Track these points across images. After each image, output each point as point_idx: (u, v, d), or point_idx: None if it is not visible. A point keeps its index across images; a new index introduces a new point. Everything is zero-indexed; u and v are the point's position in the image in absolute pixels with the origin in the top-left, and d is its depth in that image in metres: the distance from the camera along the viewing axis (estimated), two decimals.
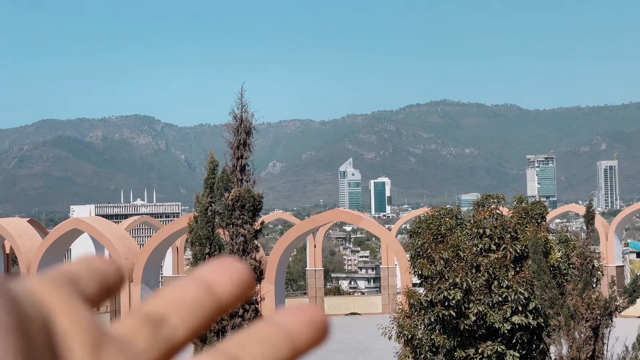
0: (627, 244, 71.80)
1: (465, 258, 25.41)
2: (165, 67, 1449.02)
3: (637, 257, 64.00)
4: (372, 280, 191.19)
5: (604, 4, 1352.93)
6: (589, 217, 21.25)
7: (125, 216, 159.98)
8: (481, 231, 25.76)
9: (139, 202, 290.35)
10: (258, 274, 21.22)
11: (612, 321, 19.56)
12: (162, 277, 55.44)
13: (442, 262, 25.42)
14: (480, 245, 25.58)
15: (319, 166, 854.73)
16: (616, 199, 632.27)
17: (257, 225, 21.42)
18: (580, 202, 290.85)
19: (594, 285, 21.02)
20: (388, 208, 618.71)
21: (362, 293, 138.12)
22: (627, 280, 57.62)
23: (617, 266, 59.17)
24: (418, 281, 27.27)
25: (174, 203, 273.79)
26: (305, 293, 67.74)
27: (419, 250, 26.38)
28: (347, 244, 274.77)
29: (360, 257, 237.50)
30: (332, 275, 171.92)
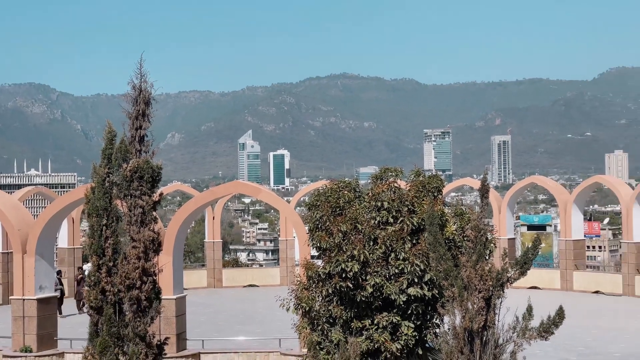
0: (518, 217, 73.72)
1: (363, 231, 25.68)
2: (61, 36, 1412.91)
3: (528, 230, 65.75)
4: (270, 252, 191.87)
5: None
6: (484, 191, 21.67)
7: (19, 186, 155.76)
8: (379, 204, 26.05)
9: (33, 172, 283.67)
10: (156, 245, 21.02)
11: (503, 292, 20.06)
12: (57, 248, 54.41)
13: (340, 234, 25.63)
14: (378, 218, 25.87)
15: (218, 138, 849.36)
16: (509, 173, 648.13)
17: (155, 197, 21.19)
18: (474, 175, 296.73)
19: (487, 258, 21.48)
20: (287, 180, 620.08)
21: (261, 265, 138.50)
22: (518, 253, 59.22)
23: (509, 239, 60.75)
24: (316, 253, 27.46)
25: (69, 173, 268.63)
26: (203, 265, 67.51)
27: (317, 223, 26.52)
28: (246, 216, 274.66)
29: (259, 229, 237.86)
30: (231, 247, 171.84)
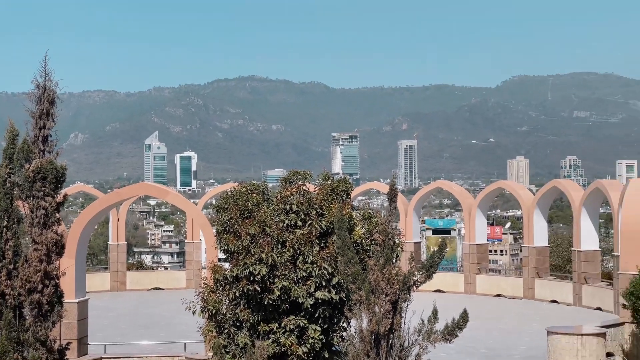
0: (424, 221, 74.63)
1: (271, 234, 25.65)
2: None
3: (433, 234, 66.66)
4: (176, 255, 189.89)
5: None
6: (392, 195, 21.85)
7: None
8: (288, 207, 26.07)
9: None
10: (59, 248, 20.55)
11: (410, 295, 20.26)
12: None
13: (248, 237, 25.55)
14: (286, 221, 25.89)
15: (124, 138, 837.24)
16: (415, 178, 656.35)
17: (59, 198, 20.72)
18: (381, 179, 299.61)
19: (394, 261, 21.66)
20: (194, 182, 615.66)
21: (166, 268, 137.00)
22: (424, 256, 60.04)
23: (415, 242, 61.47)
24: (224, 256, 27.31)
25: None
26: (106, 268, 66.37)
27: (225, 225, 26.38)
28: (152, 218, 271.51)
29: (165, 231, 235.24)
30: (135, 249, 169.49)
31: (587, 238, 51.67)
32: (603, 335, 32.88)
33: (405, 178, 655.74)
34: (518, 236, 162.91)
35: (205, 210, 62.83)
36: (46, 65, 20.53)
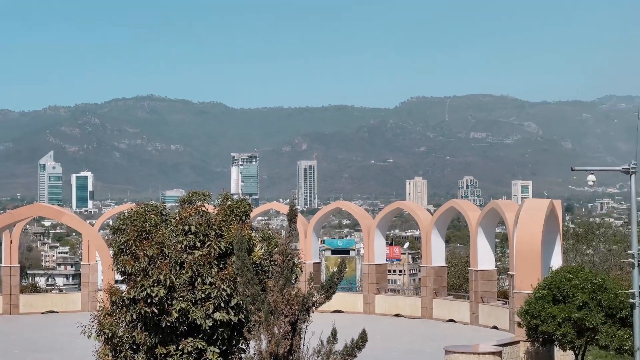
0: (323, 241, 74.92)
1: (169, 255, 25.30)
2: None
3: (333, 254, 66.91)
4: (71, 277, 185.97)
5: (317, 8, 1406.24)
6: (292, 216, 21.85)
7: None
8: (186, 228, 25.78)
9: None
10: None
11: (309, 316, 20.27)
12: None
13: (146, 259, 25.14)
14: (185, 242, 25.59)
15: (18, 158, 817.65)
16: (315, 198, 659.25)
17: None
18: (281, 200, 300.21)
19: (294, 282, 21.65)
20: (90, 203, 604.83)
21: (61, 290, 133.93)
22: (324, 276, 60.18)
23: (314, 263, 61.62)
24: (121, 278, 26.81)
25: None
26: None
27: (122, 247, 25.91)
28: (46, 239, 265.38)
29: (60, 253, 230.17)
30: (29, 272, 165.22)
31: (484, 258, 52.64)
32: (499, 353, 33.49)
33: (305, 198, 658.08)
34: (416, 256, 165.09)
35: (102, 232, 61.77)
36: None
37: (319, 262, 64.79)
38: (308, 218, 67.48)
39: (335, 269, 21.51)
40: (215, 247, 25.37)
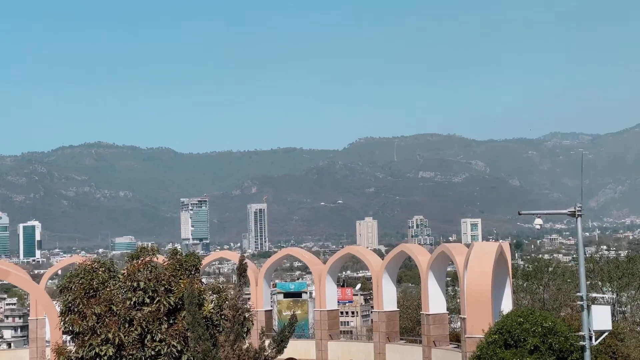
0: (275, 285, 74.63)
1: (118, 312, 25.04)
2: None
3: (285, 297, 66.72)
4: (19, 329, 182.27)
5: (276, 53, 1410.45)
6: (241, 270, 21.78)
7: None
8: (135, 284, 25.56)
9: None
10: None
11: None
12: None
13: (94, 317, 24.86)
14: (134, 299, 25.35)
15: None
16: (265, 241, 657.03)
17: None
18: (232, 244, 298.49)
19: (245, 336, 21.52)
20: (38, 252, 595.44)
21: (9, 345, 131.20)
22: (275, 322, 59.88)
23: (266, 311, 61.15)
24: (69, 337, 26.43)
25: None
26: None
27: (69, 305, 25.60)
28: None
29: (7, 304, 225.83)
30: None
31: (435, 301, 52.73)
32: None
33: (255, 241, 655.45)
34: (369, 297, 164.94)
35: (51, 281, 60.80)
36: None
37: (271, 310, 64.38)
38: (259, 262, 67.37)
39: (286, 323, 21.42)
40: (164, 302, 25.19)
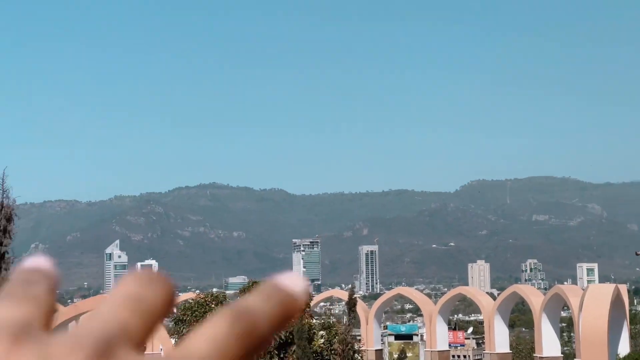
0: (386, 327, 74.39)
1: None
2: None
3: (396, 339, 66.41)
4: None
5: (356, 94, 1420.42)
6: (351, 305, 22.01)
7: None
8: None
9: None
10: None
11: None
12: None
13: None
14: None
15: (85, 248, 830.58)
16: (377, 283, 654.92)
17: None
18: (343, 285, 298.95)
19: None
20: None
21: None
22: None
23: (376, 350, 61.02)
24: None
25: None
26: None
27: (184, 337, 26.29)
28: None
29: None
30: None
31: (549, 344, 51.74)
32: None
33: (366, 283, 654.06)
34: (481, 341, 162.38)
35: (166, 320, 62.17)
36: (4, 182, 20.66)
37: (381, 349, 64.22)
38: (370, 303, 67.21)
39: (396, 356, 21.49)
40: (275, 336, 25.59)
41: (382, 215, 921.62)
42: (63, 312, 36.51)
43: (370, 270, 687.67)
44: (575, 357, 47.92)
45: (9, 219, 20.23)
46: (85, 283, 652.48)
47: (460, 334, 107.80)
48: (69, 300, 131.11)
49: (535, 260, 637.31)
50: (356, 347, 21.91)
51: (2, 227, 20.26)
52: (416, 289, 71.62)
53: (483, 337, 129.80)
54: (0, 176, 20.51)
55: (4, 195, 20.35)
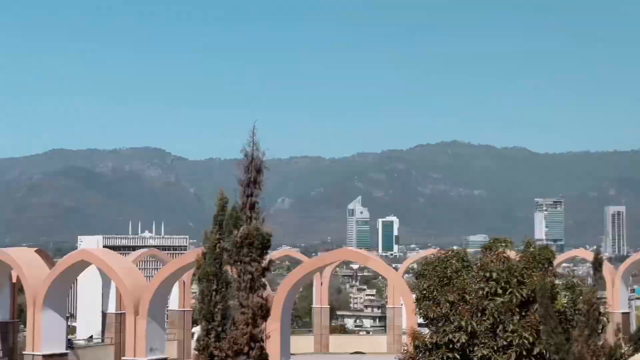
0: (633, 290, 71.59)
1: (470, 301, 25.43)
2: (176, 100, 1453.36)
3: None
4: (377, 319, 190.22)
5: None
6: (597, 264, 21.30)
7: (133, 248, 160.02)
8: (488, 275, 25.79)
9: (147, 234, 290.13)
10: (265, 312, 21.25)
11: None
12: (167, 310, 55.36)
13: (447, 304, 25.46)
14: (486, 289, 25.59)
15: (328, 204, 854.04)
16: (623, 245, 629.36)
17: (264, 264, 21.48)
18: (587, 246, 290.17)
19: (600, 332, 21.03)
20: (395, 247, 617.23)
21: (368, 332, 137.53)
22: (633, 327, 57.31)
23: (622, 313, 58.84)
24: (424, 322, 27.30)
25: (181, 236, 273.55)
26: (310, 330, 67.57)
27: (425, 292, 26.42)
28: (354, 282, 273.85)
29: (367, 295, 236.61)
30: (338, 313, 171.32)
31: None
32: None
33: (612, 245, 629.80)
34: None
35: (406, 275, 62.91)
36: (254, 135, 21.48)
37: (628, 313, 61.83)
38: (617, 266, 64.73)
39: None
40: (517, 294, 25.16)
41: (630, 175, 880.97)
42: (308, 264, 37.76)
43: (616, 232, 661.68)
44: None
45: (258, 171, 21.07)
46: (329, 237, 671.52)
47: None
48: (313, 254, 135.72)
49: None
50: (601, 309, 21.26)
51: (252, 178, 21.12)
52: None
53: None
54: (252, 129, 21.34)
55: (254, 147, 21.20)
